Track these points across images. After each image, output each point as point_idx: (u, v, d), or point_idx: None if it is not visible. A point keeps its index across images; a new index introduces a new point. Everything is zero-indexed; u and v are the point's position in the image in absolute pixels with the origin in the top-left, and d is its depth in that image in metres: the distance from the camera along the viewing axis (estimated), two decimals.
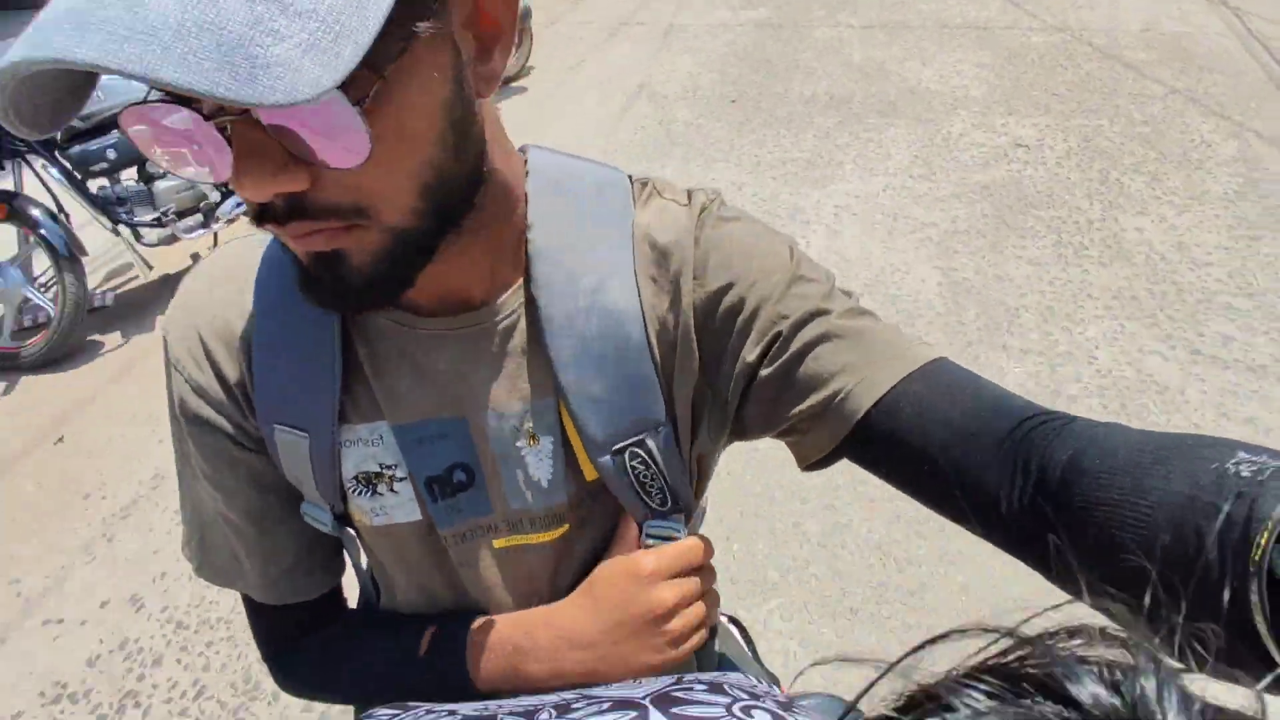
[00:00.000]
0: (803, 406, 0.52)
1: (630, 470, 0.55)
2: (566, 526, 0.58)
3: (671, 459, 0.56)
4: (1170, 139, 3.53)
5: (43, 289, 2.76)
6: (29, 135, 0.35)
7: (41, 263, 2.75)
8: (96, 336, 2.88)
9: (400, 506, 0.57)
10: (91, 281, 2.85)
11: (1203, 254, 2.78)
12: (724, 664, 0.78)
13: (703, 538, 0.60)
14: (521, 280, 0.53)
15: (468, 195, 0.46)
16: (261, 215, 0.41)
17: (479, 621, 0.59)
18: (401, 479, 0.56)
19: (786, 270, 0.52)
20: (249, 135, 0.37)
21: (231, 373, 0.55)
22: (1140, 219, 2.99)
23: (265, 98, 0.30)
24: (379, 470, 0.56)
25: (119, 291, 3.14)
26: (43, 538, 2.17)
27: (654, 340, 0.54)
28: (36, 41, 0.29)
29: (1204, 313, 2.52)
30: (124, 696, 1.78)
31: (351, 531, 0.61)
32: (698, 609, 0.56)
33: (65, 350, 2.73)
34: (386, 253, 0.42)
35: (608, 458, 0.54)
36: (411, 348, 0.53)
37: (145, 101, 0.36)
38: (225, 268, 0.56)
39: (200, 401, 0.55)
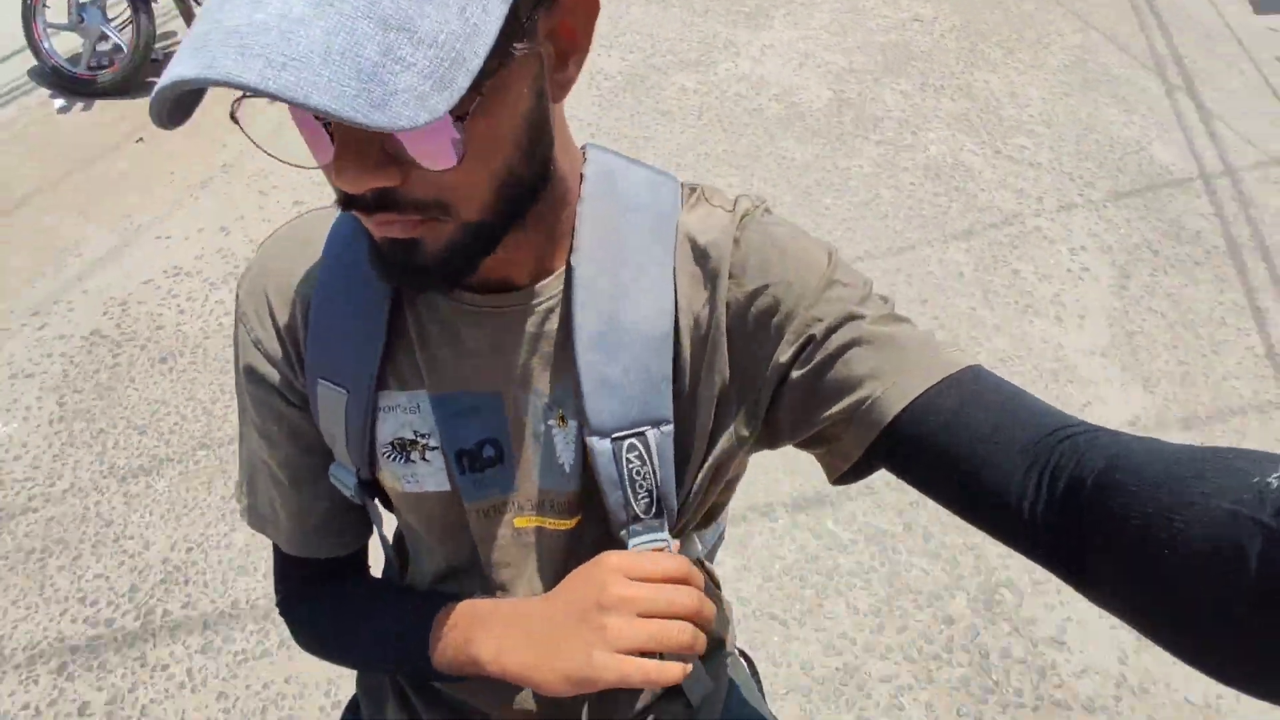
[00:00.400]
0: (832, 411, 0.51)
1: (625, 462, 0.54)
2: (579, 518, 0.58)
3: (666, 461, 0.55)
4: (1034, 27, 4.42)
5: (119, 28, 3.37)
6: (161, 127, 0.36)
7: (115, 9, 3.35)
8: (154, 79, 3.52)
9: (432, 476, 0.58)
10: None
11: (1025, 100, 3.69)
12: (733, 694, 0.76)
13: (708, 570, 0.61)
14: (564, 268, 0.54)
15: (535, 191, 0.48)
16: (349, 203, 0.43)
17: (452, 603, 0.59)
18: (434, 449, 0.57)
19: (822, 274, 0.52)
20: (351, 133, 0.39)
21: (288, 329, 0.57)
22: (990, 75, 3.88)
23: (395, 124, 0.32)
24: (413, 438, 0.58)
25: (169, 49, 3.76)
26: (143, 195, 2.89)
27: (683, 337, 0.54)
28: (206, 62, 0.31)
29: (1013, 132, 3.44)
30: (225, 276, 2.56)
31: (375, 502, 0.63)
32: (657, 626, 0.50)
33: (135, 82, 3.36)
34: (459, 244, 0.45)
35: (606, 443, 0.53)
36: (456, 322, 0.55)
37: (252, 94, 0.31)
38: (299, 233, 0.58)
39: (258, 355, 0.58)
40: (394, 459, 0.58)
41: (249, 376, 0.60)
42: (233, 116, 0.41)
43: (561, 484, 0.58)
